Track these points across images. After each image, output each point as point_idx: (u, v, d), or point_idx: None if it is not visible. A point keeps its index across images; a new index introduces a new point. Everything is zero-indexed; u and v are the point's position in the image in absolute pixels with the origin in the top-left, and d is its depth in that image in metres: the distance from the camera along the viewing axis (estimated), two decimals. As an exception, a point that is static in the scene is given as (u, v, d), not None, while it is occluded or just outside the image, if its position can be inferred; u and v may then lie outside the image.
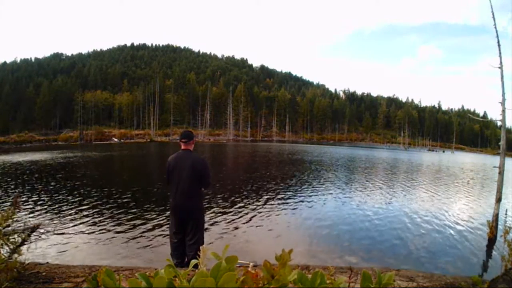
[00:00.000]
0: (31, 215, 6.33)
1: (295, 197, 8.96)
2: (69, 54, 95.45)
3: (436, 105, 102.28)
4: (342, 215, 7.14)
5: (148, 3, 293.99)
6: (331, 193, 9.77)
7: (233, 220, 6.41)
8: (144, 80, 71.10)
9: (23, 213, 6.35)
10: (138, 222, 6.06)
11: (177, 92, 70.43)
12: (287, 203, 8.21)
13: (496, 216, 5.91)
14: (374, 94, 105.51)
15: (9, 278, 2.04)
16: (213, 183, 9.55)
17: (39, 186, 9.58)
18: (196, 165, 3.40)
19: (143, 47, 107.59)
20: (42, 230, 5.02)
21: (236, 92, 72.89)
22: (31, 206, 7.05)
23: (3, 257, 2.16)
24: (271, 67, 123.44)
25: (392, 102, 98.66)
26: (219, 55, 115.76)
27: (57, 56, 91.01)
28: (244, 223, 6.21)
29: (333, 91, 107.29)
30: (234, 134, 66.28)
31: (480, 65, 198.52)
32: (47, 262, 2.86)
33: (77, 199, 7.94)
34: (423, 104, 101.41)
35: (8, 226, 2.41)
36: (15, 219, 2.50)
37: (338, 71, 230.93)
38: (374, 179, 13.84)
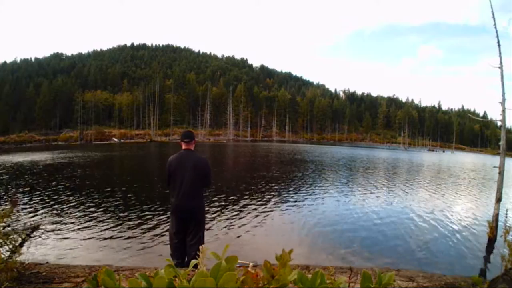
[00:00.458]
0: (31, 215, 6.33)
1: (296, 197, 8.96)
2: (69, 54, 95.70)
3: (436, 105, 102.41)
4: (342, 215, 7.13)
5: (148, 3, 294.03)
6: (332, 193, 9.77)
7: (233, 220, 6.41)
8: (144, 80, 71.13)
9: (23, 213, 6.36)
10: (138, 222, 6.06)
11: (177, 92, 70.45)
12: (288, 203, 8.21)
13: (496, 216, 5.91)
14: (374, 94, 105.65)
15: (9, 278, 2.04)
16: (213, 183, 9.56)
17: (39, 186, 9.58)
18: (199, 164, 3.42)
19: (143, 47, 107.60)
20: (42, 230, 5.02)
21: (236, 92, 72.90)
22: (31, 206, 7.05)
23: (3, 257, 2.16)
24: (271, 67, 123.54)
25: (392, 102, 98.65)
26: (219, 55, 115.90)
27: (57, 56, 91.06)
28: (244, 223, 6.20)
29: (333, 91, 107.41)
30: (234, 134, 66.29)
31: (480, 65, 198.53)
32: (47, 262, 2.86)
33: (77, 199, 7.94)
34: (423, 104, 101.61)
35: (8, 226, 2.41)
36: (15, 219, 2.50)
37: (338, 71, 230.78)
38: (375, 179, 13.84)
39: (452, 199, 10.03)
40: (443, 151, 61.38)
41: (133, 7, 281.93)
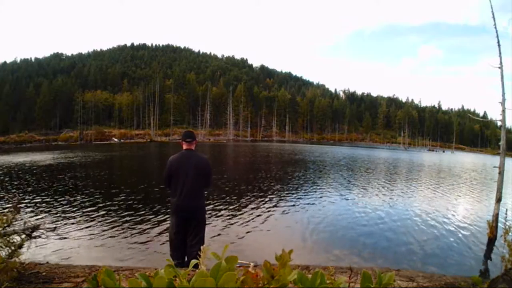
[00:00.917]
0: (31, 215, 6.33)
1: (296, 197, 8.96)
2: (69, 54, 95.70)
3: (436, 105, 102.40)
4: (343, 215, 7.13)
5: (148, 3, 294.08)
6: (333, 193, 9.76)
7: (233, 220, 6.41)
8: (144, 80, 71.12)
9: (24, 213, 6.35)
10: (138, 222, 6.06)
11: (177, 92, 70.45)
12: (288, 203, 8.21)
13: (496, 216, 5.91)
14: (374, 94, 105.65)
15: (9, 278, 2.04)
16: (214, 183, 9.54)
17: (40, 186, 9.59)
18: (201, 164, 3.45)
19: (143, 47, 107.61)
20: (42, 230, 5.02)
21: (236, 92, 72.90)
22: (31, 206, 7.05)
23: (3, 257, 2.16)
24: (271, 67, 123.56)
25: (392, 102, 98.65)
26: (219, 55, 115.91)
27: (57, 56, 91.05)
28: (244, 223, 6.20)
29: (333, 91, 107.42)
30: (234, 134, 66.28)
31: (480, 65, 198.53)
32: (47, 262, 2.86)
33: (77, 199, 7.94)
34: (423, 104, 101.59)
35: (8, 226, 2.41)
36: (15, 219, 2.50)
37: (338, 71, 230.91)
38: (376, 179, 13.84)
39: (452, 199, 10.03)
40: (443, 151, 61.37)
41: (133, 7, 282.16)
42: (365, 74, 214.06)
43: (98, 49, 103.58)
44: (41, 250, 4.30)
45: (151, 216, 6.44)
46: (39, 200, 7.76)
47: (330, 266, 1.32)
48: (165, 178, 3.45)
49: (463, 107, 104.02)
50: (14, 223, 2.53)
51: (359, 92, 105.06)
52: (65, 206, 7.13)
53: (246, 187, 10.32)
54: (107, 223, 5.95)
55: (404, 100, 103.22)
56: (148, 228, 5.67)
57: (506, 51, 6.36)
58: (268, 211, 7.21)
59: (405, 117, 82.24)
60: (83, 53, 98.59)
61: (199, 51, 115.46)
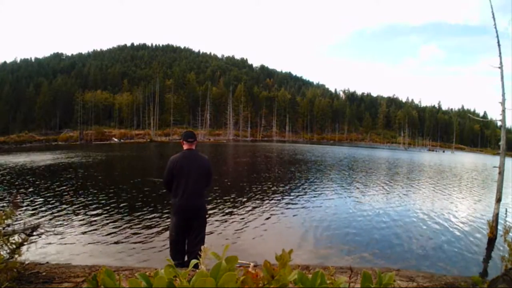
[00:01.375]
0: (31, 214, 6.33)
1: (297, 197, 8.96)
2: (69, 54, 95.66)
3: (436, 105, 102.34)
4: (344, 215, 7.13)
5: (148, 3, 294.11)
6: (334, 193, 9.76)
7: (233, 220, 6.42)
8: (144, 80, 71.12)
9: (24, 213, 6.36)
10: (138, 222, 6.06)
11: (177, 92, 70.44)
12: (289, 203, 8.21)
13: (496, 216, 5.91)
14: (374, 94, 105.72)
15: (9, 278, 2.04)
16: (214, 183, 9.55)
17: (40, 186, 9.59)
18: (203, 164, 3.49)
19: (143, 47, 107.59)
20: (42, 230, 5.03)
21: (236, 92, 72.90)
22: (31, 206, 7.05)
23: (3, 257, 2.16)
24: (271, 67, 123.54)
25: (392, 102, 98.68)
26: (219, 55, 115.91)
27: (57, 56, 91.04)
28: (245, 223, 6.20)
29: (333, 91, 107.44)
30: (234, 134, 66.28)
31: (480, 65, 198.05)
32: (47, 262, 2.86)
33: (77, 199, 7.94)
34: (423, 104, 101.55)
35: (8, 226, 2.41)
36: (15, 219, 2.50)
37: (338, 71, 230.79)
38: (377, 179, 13.84)
39: (453, 199, 10.03)
40: (443, 151, 61.36)
41: (133, 7, 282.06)
42: (365, 74, 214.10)
43: (98, 49, 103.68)
44: (41, 250, 4.30)
45: (151, 216, 6.44)
46: (40, 200, 7.76)
47: (330, 266, 1.32)
48: (166, 178, 3.43)
49: (463, 107, 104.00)
50: (14, 223, 2.53)
51: (359, 92, 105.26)
52: (65, 206, 7.13)
53: (246, 187, 10.32)
54: (107, 223, 5.95)
55: (404, 100, 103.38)
56: (148, 228, 5.67)
57: (506, 51, 6.37)
58: (269, 211, 7.21)
59: (405, 117, 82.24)
60: (83, 53, 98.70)
61: (199, 51, 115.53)
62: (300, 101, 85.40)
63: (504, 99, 6.19)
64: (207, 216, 3.71)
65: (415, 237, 5.82)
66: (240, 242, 5.10)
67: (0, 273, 2.00)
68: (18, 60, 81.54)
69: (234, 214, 6.83)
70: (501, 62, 6.20)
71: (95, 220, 6.10)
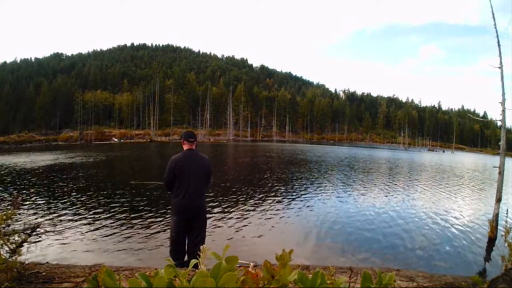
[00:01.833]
0: (31, 214, 6.33)
1: (297, 197, 8.96)
2: (69, 54, 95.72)
3: (436, 105, 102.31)
4: (344, 215, 7.13)
5: (148, 3, 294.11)
6: (335, 193, 9.76)
7: (234, 220, 6.41)
8: (144, 80, 71.11)
9: (24, 213, 6.35)
10: (138, 222, 6.06)
11: (177, 92, 70.42)
12: (290, 203, 8.21)
13: (496, 216, 5.91)
14: (374, 94, 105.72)
15: (9, 278, 2.04)
16: (214, 183, 9.57)
17: (40, 186, 9.59)
18: (204, 164, 3.52)
19: (143, 47, 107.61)
20: (42, 230, 5.03)
21: (236, 92, 72.89)
22: (31, 206, 7.05)
23: (3, 257, 2.16)
24: (271, 67, 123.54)
25: (392, 102, 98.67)
26: (219, 55, 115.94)
27: (57, 56, 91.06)
28: (245, 223, 6.20)
29: (333, 91, 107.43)
30: (234, 134, 66.27)
31: (480, 65, 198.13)
32: (47, 262, 2.86)
33: (77, 199, 7.94)
34: (423, 104, 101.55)
35: (8, 226, 2.40)
36: (15, 220, 2.50)
37: (338, 71, 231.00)
38: (378, 179, 13.84)
39: (453, 199, 10.03)
40: (443, 151, 61.33)
41: (133, 7, 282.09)
42: (365, 74, 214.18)
43: (98, 49, 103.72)
44: (41, 250, 4.30)
45: (151, 216, 6.44)
46: (40, 200, 7.76)
47: (330, 266, 1.32)
48: (167, 177, 3.41)
49: (463, 107, 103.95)
50: (15, 223, 2.53)
51: (359, 92, 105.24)
52: (65, 206, 7.14)
53: (247, 187, 10.32)
54: (107, 223, 5.95)
55: (404, 100, 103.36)
56: (148, 228, 5.67)
57: (506, 51, 6.37)
58: (269, 211, 7.21)
59: (405, 117, 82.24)
60: (83, 53, 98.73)
61: (199, 51, 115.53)
62: (300, 101, 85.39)
63: (504, 99, 6.19)
64: (207, 216, 3.72)
65: (416, 236, 5.82)
66: (240, 242, 5.10)
67: (0, 273, 2.00)
68: (18, 60, 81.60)
69: (234, 214, 6.83)
70: (501, 62, 6.20)
71: (95, 220, 6.10)
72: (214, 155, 24.89)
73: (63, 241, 4.89)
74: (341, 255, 4.74)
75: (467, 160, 36.97)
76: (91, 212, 6.65)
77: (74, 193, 8.62)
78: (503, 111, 6.18)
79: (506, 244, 3.14)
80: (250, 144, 47.39)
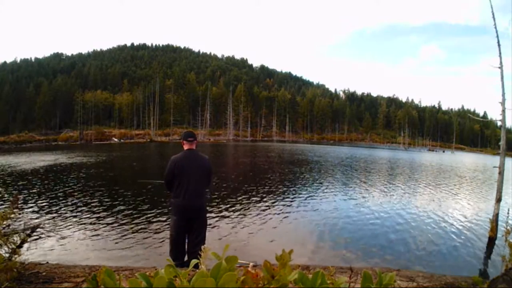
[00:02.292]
0: (32, 215, 6.33)
1: (298, 198, 8.96)
2: (69, 54, 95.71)
3: (436, 105, 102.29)
4: (345, 215, 7.13)
5: (148, 3, 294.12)
6: (335, 194, 9.76)
7: (234, 220, 6.41)
8: (144, 80, 71.09)
9: (24, 213, 6.35)
10: (138, 222, 6.06)
11: (177, 92, 70.41)
12: (290, 203, 8.21)
13: (496, 216, 5.91)
14: (374, 94, 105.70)
15: (9, 278, 2.04)
16: (215, 183, 9.58)
17: (40, 186, 9.58)
18: (205, 164, 3.52)
19: (143, 47, 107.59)
20: (42, 230, 5.02)
21: (236, 92, 72.88)
22: (32, 206, 7.05)
23: (3, 257, 2.16)
24: (271, 67, 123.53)
25: (392, 102, 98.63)
26: (219, 55, 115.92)
27: (57, 56, 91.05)
28: (245, 223, 6.20)
29: (333, 91, 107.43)
30: (234, 134, 66.26)
31: (480, 65, 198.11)
32: (47, 262, 2.86)
33: (77, 199, 7.94)
34: (423, 104, 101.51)
35: (8, 226, 2.40)
36: (14, 219, 2.50)
37: (338, 71, 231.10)
38: (379, 179, 13.84)
39: (454, 199, 10.03)
40: (443, 151, 61.31)
41: (133, 7, 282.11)
42: (365, 74, 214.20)
43: (98, 49, 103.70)
44: (41, 250, 4.30)
45: (151, 216, 6.44)
46: (40, 200, 7.76)
47: (330, 266, 1.32)
48: (167, 178, 3.43)
49: (463, 107, 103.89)
50: (14, 222, 2.53)
51: (359, 92, 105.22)
52: (65, 206, 7.14)
53: (247, 187, 10.31)
54: (107, 223, 5.95)
55: (404, 100, 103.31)
56: (148, 228, 5.67)
57: (506, 51, 6.37)
58: (270, 211, 7.21)
59: (405, 117, 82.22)
60: (83, 53, 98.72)
61: (199, 51, 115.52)
62: (300, 101, 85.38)
63: (504, 99, 6.19)
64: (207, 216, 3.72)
65: (416, 236, 5.81)
66: (240, 242, 5.09)
67: (0, 273, 2.00)
68: (18, 60, 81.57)
69: (234, 214, 6.83)
70: (501, 62, 6.20)
71: (95, 220, 6.10)
72: (214, 155, 24.88)
73: (63, 241, 4.89)
74: (341, 255, 4.74)
75: (467, 160, 36.96)
76: (91, 212, 6.65)
77: (74, 193, 8.62)
78: (503, 111, 6.18)
79: (506, 244, 3.14)
80: (250, 144, 47.38)
